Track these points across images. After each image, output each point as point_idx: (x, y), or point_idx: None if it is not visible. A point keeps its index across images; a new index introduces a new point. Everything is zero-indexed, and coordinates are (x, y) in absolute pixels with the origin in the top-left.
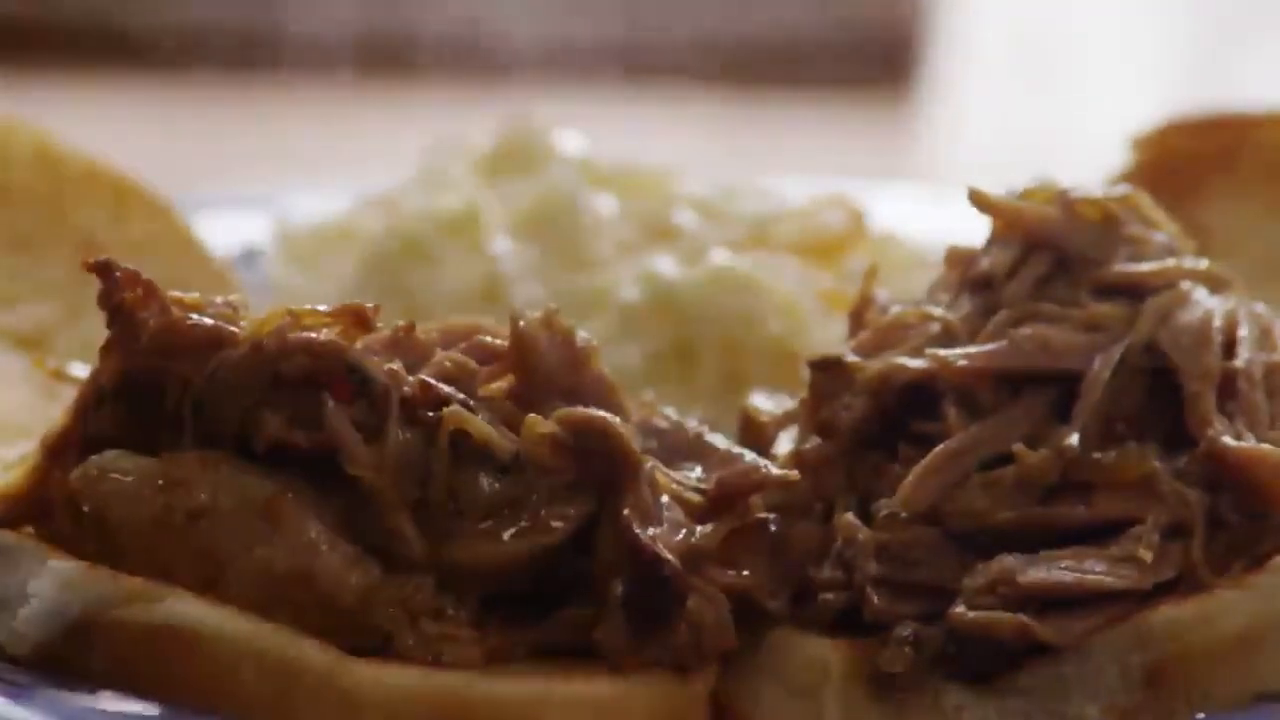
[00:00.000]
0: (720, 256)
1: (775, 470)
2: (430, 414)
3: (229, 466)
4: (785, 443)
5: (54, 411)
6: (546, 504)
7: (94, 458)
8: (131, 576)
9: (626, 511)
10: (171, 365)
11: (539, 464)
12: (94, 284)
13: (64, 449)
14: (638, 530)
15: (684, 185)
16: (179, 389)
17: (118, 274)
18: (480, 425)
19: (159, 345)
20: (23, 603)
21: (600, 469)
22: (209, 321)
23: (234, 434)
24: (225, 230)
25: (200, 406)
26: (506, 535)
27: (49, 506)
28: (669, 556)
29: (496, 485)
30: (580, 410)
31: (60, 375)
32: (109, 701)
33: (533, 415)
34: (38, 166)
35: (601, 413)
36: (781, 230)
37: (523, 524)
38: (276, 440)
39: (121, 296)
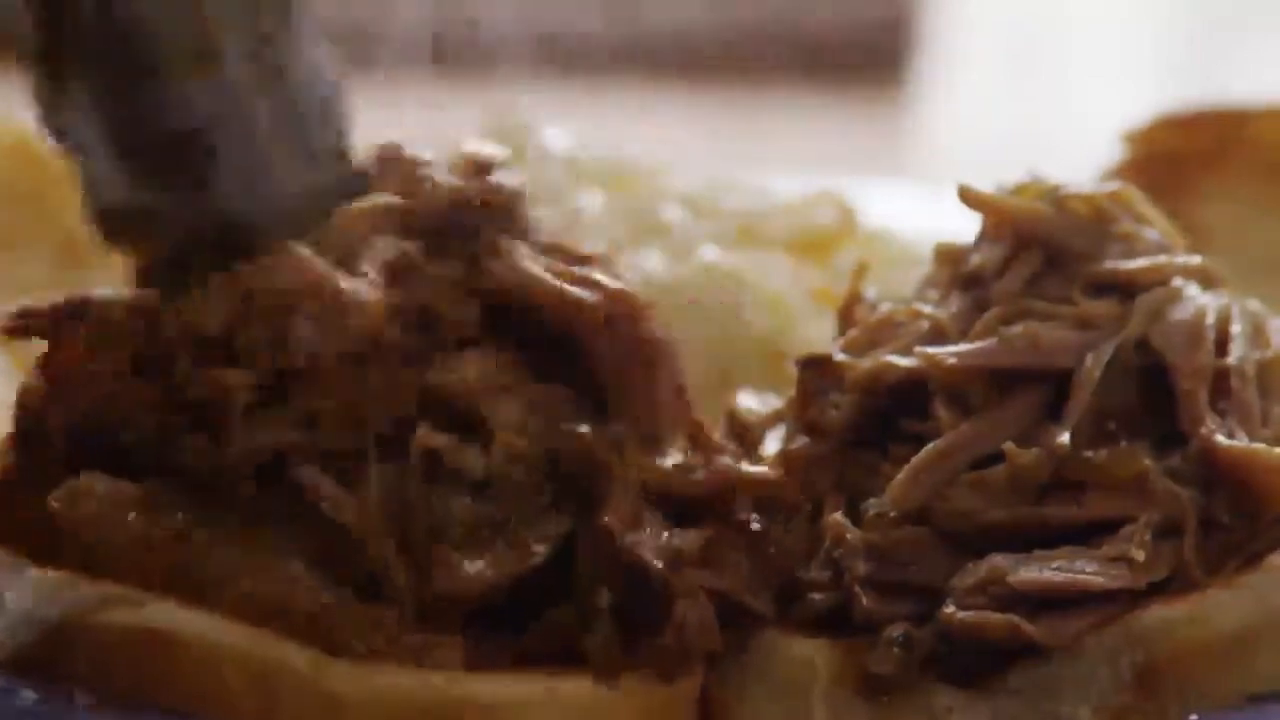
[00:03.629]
0: (708, 253)
1: (756, 469)
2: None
3: (204, 495)
4: (773, 442)
5: None
6: (525, 524)
7: (72, 481)
8: (111, 582)
9: (608, 520)
10: (126, 427)
11: (514, 484)
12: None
13: (20, 474)
14: (622, 539)
15: (672, 181)
16: (137, 442)
17: (66, 332)
18: (449, 443)
19: (114, 417)
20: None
21: (578, 479)
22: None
23: (208, 467)
24: None
25: (164, 453)
26: (487, 563)
27: (20, 524)
28: (655, 563)
29: (473, 507)
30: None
31: None
32: (89, 706)
33: (502, 433)
34: (18, 163)
35: (574, 425)
36: (771, 227)
37: (503, 548)
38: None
39: (70, 361)
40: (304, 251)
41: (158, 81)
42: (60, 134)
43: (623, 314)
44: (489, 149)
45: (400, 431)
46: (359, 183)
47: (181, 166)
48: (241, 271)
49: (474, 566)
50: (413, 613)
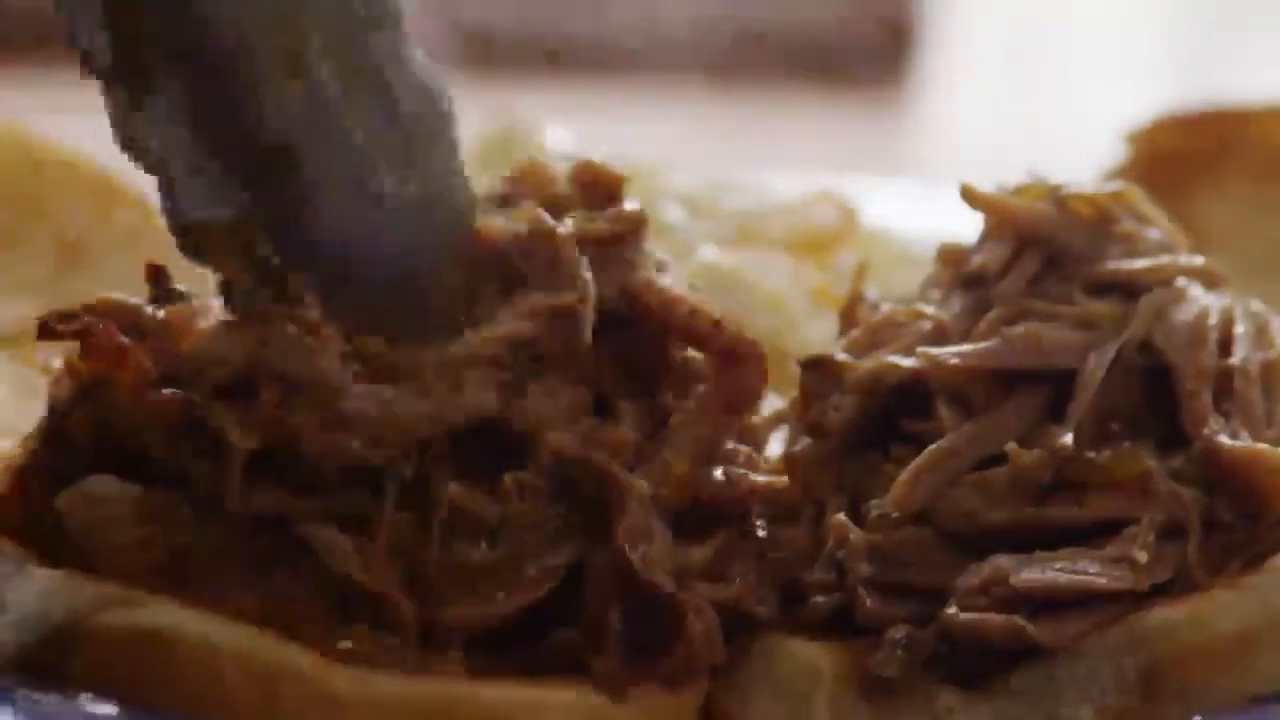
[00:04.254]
0: (708, 253)
1: (762, 478)
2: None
3: (211, 515)
4: (776, 444)
5: (36, 408)
6: (534, 559)
7: (80, 483)
8: (113, 582)
9: (619, 536)
10: (147, 436)
11: (525, 522)
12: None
13: (34, 473)
14: (633, 557)
15: (672, 181)
16: (156, 452)
17: (97, 339)
18: (471, 496)
19: (135, 425)
20: (1, 610)
21: (589, 499)
22: (187, 397)
23: (213, 496)
24: None
25: (179, 468)
26: (495, 597)
27: (28, 521)
28: (667, 584)
29: (486, 551)
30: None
31: (48, 371)
32: (91, 705)
33: (511, 473)
34: (17, 162)
35: (578, 446)
36: (771, 226)
37: (509, 584)
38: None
39: (98, 367)
40: (319, 344)
41: (243, 88)
42: (138, 150)
43: (751, 354)
44: (614, 168)
45: (413, 480)
46: (469, 199)
47: (273, 178)
48: (256, 318)
49: (480, 603)
50: (416, 639)
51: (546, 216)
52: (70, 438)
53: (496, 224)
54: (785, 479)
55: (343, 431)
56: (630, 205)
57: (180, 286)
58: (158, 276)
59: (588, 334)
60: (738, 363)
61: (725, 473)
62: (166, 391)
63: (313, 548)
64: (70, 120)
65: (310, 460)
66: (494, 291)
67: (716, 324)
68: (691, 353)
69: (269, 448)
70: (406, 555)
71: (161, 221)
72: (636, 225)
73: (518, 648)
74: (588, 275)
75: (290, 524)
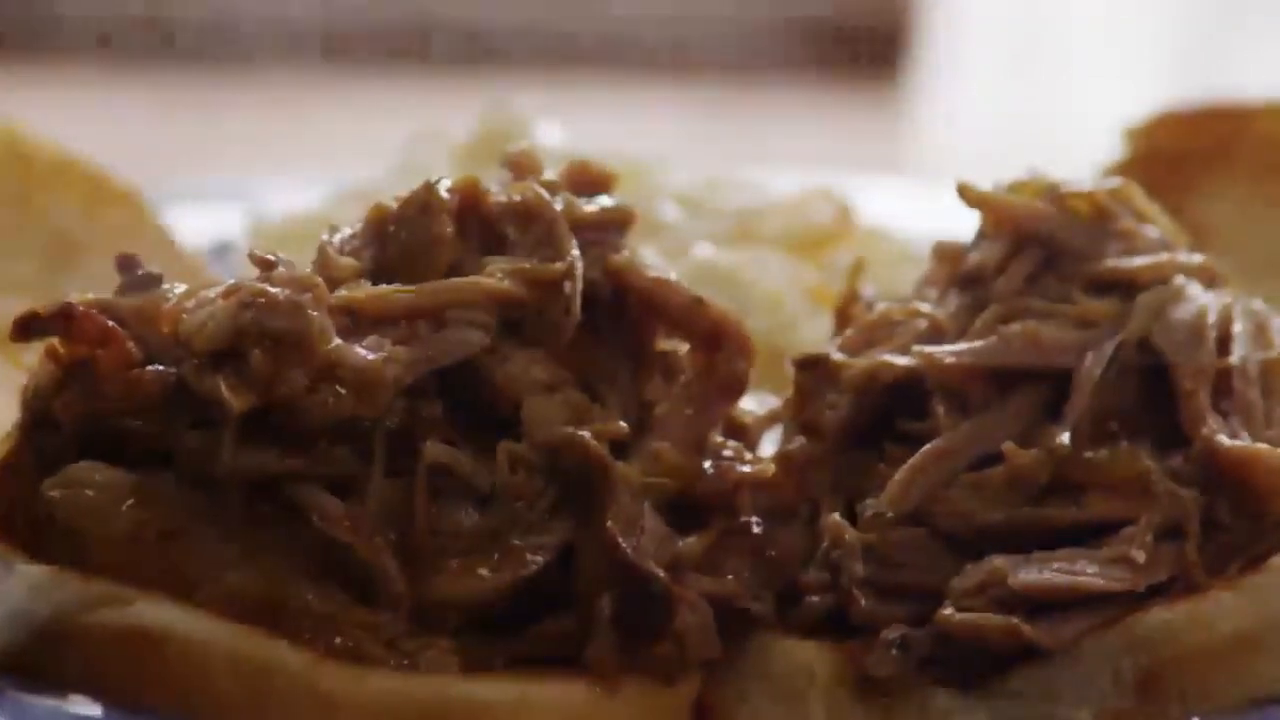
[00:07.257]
0: (704, 251)
1: (750, 469)
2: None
3: (201, 493)
4: (770, 444)
5: None
6: (525, 533)
7: (67, 469)
8: (101, 580)
9: (610, 525)
10: (134, 416)
11: (516, 493)
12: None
13: (17, 465)
14: (624, 545)
15: (667, 178)
16: (142, 433)
17: (78, 322)
18: (458, 456)
19: (122, 405)
20: None
21: (577, 484)
22: (172, 372)
23: (204, 469)
24: (198, 224)
25: (166, 448)
26: (486, 570)
27: (12, 515)
28: (659, 572)
29: (476, 518)
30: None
31: None
32: (79, 705)
33: (504, 443)
34: (7, 160)
35: (571, 429)
36: (767, 224)
37: (501, 557)
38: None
39: (81, 350)
40: (305, 298)
41: None
42: None
43: (734, 335)
44: (602, 165)
45: (403, 443)
46: None
47: None
48: (245, 285)
49: (471, 574)
50: (408, 617)
51: (543, 191)
52: (54, 424)
53: (490, 190)
54: (771, 467)
55: (331, 383)
56: (619, 200)
57: (153, 270)
58: (128, 265)
59: (576, 308)
60: (721, 345)
61: (712, 464)
62: (150, 368)
63: (303, 515)
64: (63, 118)
65: (301, 419)
66: (476, 256)
67: (699, 301)
68: (675, 345)
69: (261, 408)
70: (396, 523)
71: (152, 219)
72: (624, 217)
73: (510, 634)
74: (576, 252)
75: (281, 489)
